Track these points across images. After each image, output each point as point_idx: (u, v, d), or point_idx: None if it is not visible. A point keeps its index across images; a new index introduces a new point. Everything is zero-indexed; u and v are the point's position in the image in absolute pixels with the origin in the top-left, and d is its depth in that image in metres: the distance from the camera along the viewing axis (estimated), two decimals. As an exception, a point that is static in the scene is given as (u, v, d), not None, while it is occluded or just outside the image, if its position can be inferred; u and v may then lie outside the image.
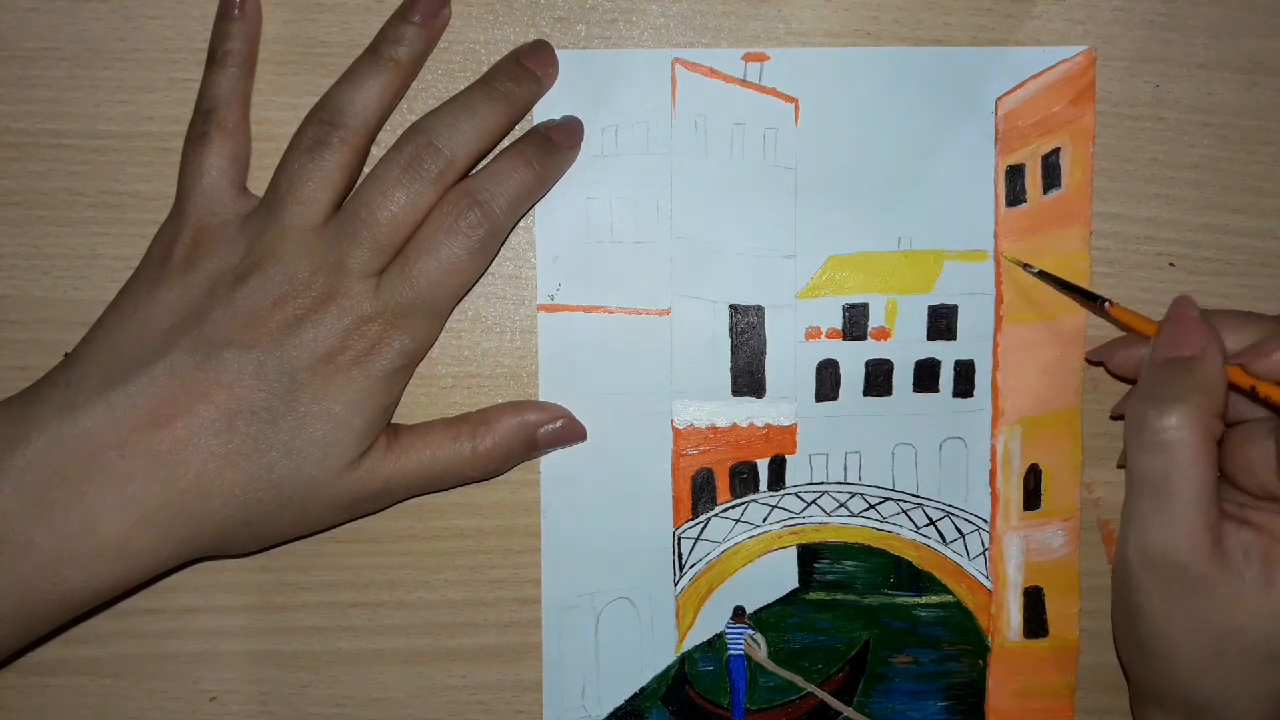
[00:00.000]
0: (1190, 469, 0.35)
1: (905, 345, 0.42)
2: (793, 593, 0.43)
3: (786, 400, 0.42)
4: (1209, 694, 0.36)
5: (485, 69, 0.40)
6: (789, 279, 0.42)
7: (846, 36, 0.41)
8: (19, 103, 0.40)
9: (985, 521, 0.43)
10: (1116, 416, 0.42)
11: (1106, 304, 0.40)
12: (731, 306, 0.42)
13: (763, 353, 0.42)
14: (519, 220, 0.40)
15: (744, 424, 0.42)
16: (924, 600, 0.43)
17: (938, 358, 0.42)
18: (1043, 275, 0.41)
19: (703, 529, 0.42)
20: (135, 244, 0.39)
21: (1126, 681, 0.41)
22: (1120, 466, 0.42)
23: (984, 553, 0.43)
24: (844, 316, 0.42)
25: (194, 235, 0.37)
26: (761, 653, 0.43)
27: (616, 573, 0.42)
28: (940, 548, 0.43)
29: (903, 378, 0.42)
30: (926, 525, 0.43)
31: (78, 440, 0.35)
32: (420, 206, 0.37)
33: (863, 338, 0.42)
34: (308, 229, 0.37)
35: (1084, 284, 0.42)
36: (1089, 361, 0.42)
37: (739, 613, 0.43)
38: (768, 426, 0.42)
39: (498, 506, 0.42)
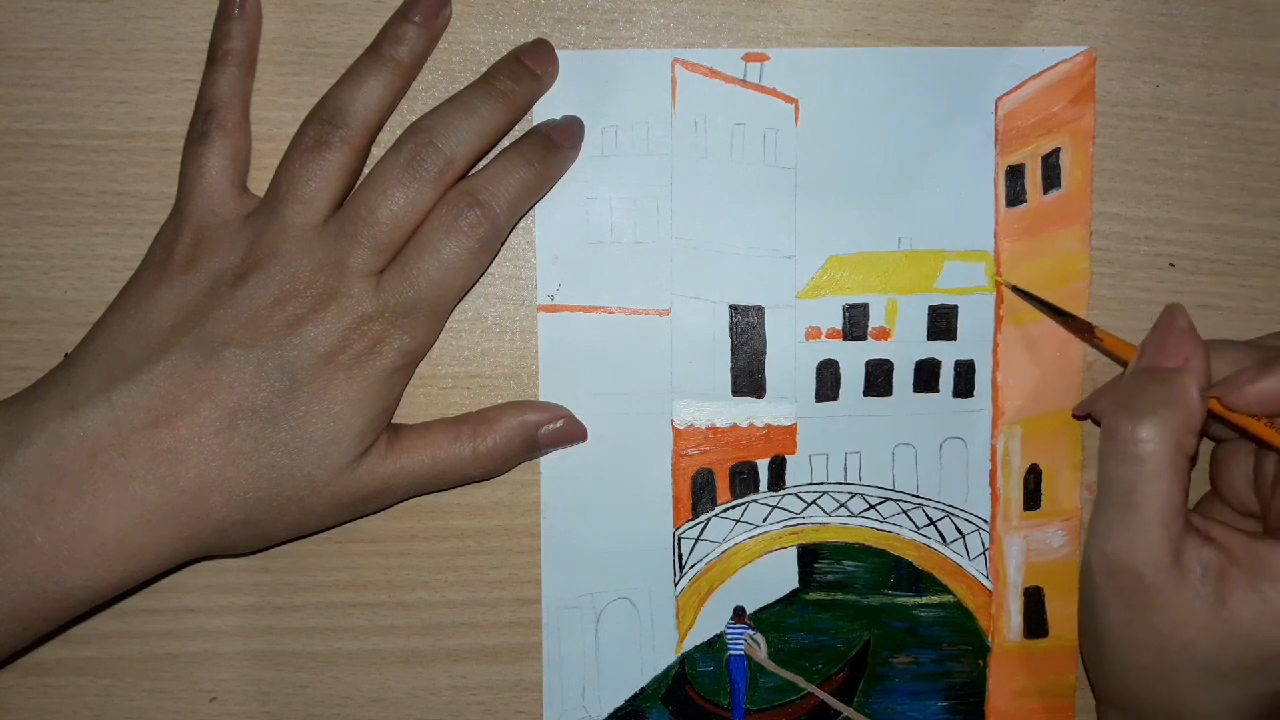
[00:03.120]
0: (1157, 482, 0.35)
1: (905, 345, 0.42)
2: (793, 593, 0.43)
3: (786, 400, 0.42)
4: (1160, 704, 0.37)
5: (485, 69, 0.40)
6: (789, 279, 0.42)
7: (846, 36, 0.41)
8: (19, 103, 0.40)
9: (985, 521, 0.43)
10: (1080, 416, 0.42)
11: (1093, 330, 0.40)
12: (731, 307, 0.42)
13: (763, 353, 0.42)
14: (519, 220, 0.40)
15: (744, 424, 0.42)
16: (924, 600, 0.43)
17: (938, 358, 0.42)
18: (1035, 300, 0.41)
19: (703, 529, 0.42)
20: (135, 244, 0.39)
21: (1090, 687, 0.41)
22: (1077, 417, 0.42)
23: (984, 553, 0.43)
24: (844, 316, 0.42)
25: (194, 235, 0.37)
26: (761, 653, 0.43)
27: (616, 573, 0.42)
28: (940, 548, 0.43)
29: (903, 378, 0.42)
30: (926, 525, 0.43)
31: (78, 439, 0.35)
32: (420, 206, 0.37)
33: (863, 338, 0.42)
34: (308, 228, 0.37)
35: (1084, 283, 0.42)
36: (1076, 417, 0.42)
37: (739, 613, 0.43)
38: (768, 427, 0.42)
39: (498, 506, 0.42)
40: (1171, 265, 0.42)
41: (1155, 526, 0.35)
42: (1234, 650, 0.35)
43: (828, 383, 0.42)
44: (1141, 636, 0.36)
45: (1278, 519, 0.38)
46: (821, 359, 0.42)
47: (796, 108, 0.41)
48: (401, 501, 0.40)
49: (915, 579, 0.43)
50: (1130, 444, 0.35)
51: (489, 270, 0.41)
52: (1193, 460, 0.36)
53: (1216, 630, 0.35)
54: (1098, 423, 0.41)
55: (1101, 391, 0.41)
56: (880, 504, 0.42)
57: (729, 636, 0.43)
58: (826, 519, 0.42)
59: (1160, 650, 0.36)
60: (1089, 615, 0.38)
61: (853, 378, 0.42)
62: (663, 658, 0.43)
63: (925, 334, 0.42)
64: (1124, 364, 0.40)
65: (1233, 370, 0.37)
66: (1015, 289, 0.41)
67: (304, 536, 0.39)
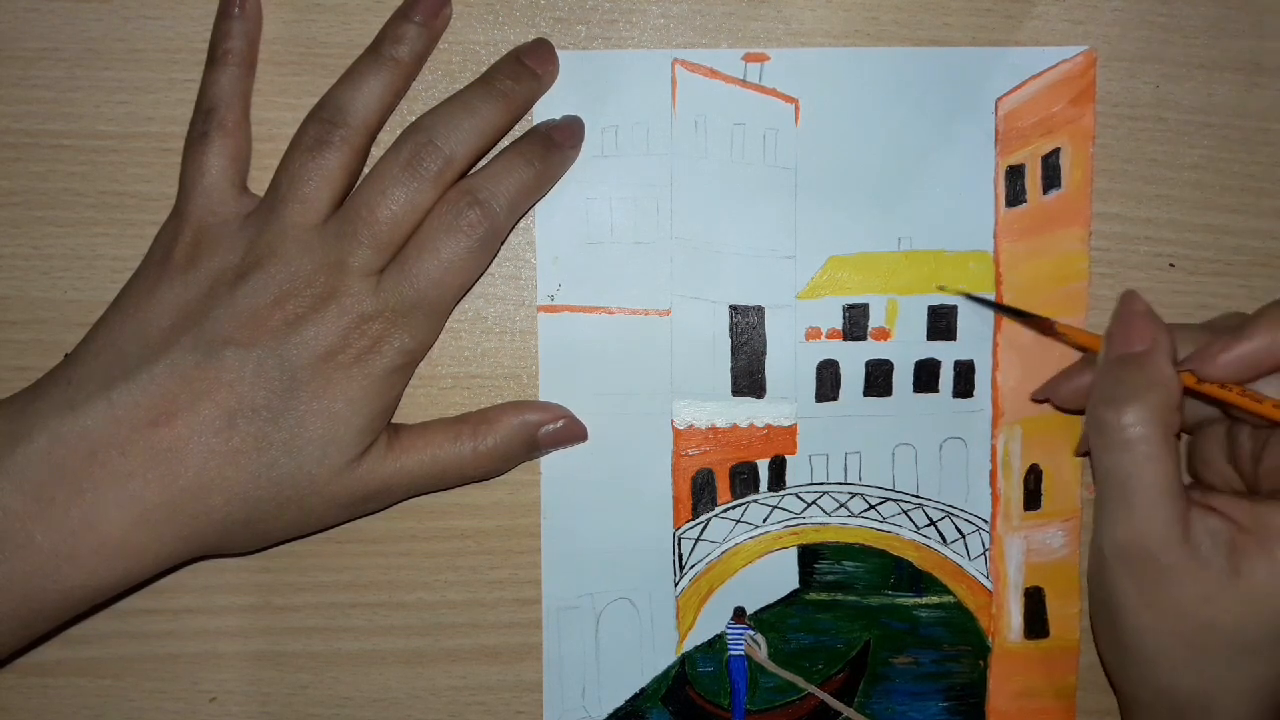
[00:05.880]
0: (1151, 463, 0.35)
1: (905, 345, 0.42)
2: (793, 593, 0.43)
3: (786, 400, 0.42)
4: (1190, 691, 0.36)
5: (485, 69, 0.40)
6: (789, 279, 0.42)
7: (846, 36, 0.41)
8: (19, 103, 0.40)
9: (985, 522, 0.43)
10: (1039, 399, 0.42)
11: (1054, 324, 0.40)
12: (731, 307, 0.42)
13: (763, 353, 0.42)
14: (519, 220, 0.40)
15: (744, 424, 0.42)
16: (924, 601, 0.43)
17: (938, 358, 0.42)
18: (975, 299, 0.41)
19: (703, 529, 0.42)
20: (135, 244, 0.39)
21: (1114, 692, 0.41)
22: (1079, 455, 0.42)
23: (984, 553, 0.43)
24: (844, 317, 0.42)
25: (195, 234, 0.37)
26: (762, 653, 0.43)
27: (616, 573, 0.42)
28: (940, 548, 0.43)
29: (903, 378, 0.42)
30: (927, 525, 0.43)
31: (78, 438, 0.35)
32: (420, 205, 0.37)
33: (863, 338, 0.42)
34: (308, 227, 0.37)
35: (1083, 283, 0.42)
36: (1034, 400, 0.42)
37: (739, 613, 0.43)
38: (768, 427, 0.42)
39: (498, 506, 0.42)
40: (1171, 265, 0.42)
41: (1158, 505, 0.35)
42: (1256, 619, 0.35)
43: (828, 383, 0.42)
44: (1166, 622, 0.36)
45: (1269, 482, 0.38)
46: (821, 359, 0.42)
47: (796, 108, 0.41)
48: (401, 501, 0.40)
49: (915, 579, 0.43)
50: (1118, 431, 0.35)
51: (489, 270, 0.41)
52: (1178, 438, 0.37)
53: (1236, 600, 0.35)
54: None
55: (1059, 377, 0.41)
56: (880, 504, 0.42)
57: (729, 637, 0.43)
58: (826, 519, 0.42)
59: (1186, 633, 0.36)
60: (1109, 615, 0.37)
61: (853, 378, 0.42)
62: (663, 658, 0.43)
63: (925, 334, 0.42)
64: (1091, 354, 0.40)
65: (1194, 349, 0.37)
66: (970, 296, 0.41)
67: (304, 536, 0.39)
